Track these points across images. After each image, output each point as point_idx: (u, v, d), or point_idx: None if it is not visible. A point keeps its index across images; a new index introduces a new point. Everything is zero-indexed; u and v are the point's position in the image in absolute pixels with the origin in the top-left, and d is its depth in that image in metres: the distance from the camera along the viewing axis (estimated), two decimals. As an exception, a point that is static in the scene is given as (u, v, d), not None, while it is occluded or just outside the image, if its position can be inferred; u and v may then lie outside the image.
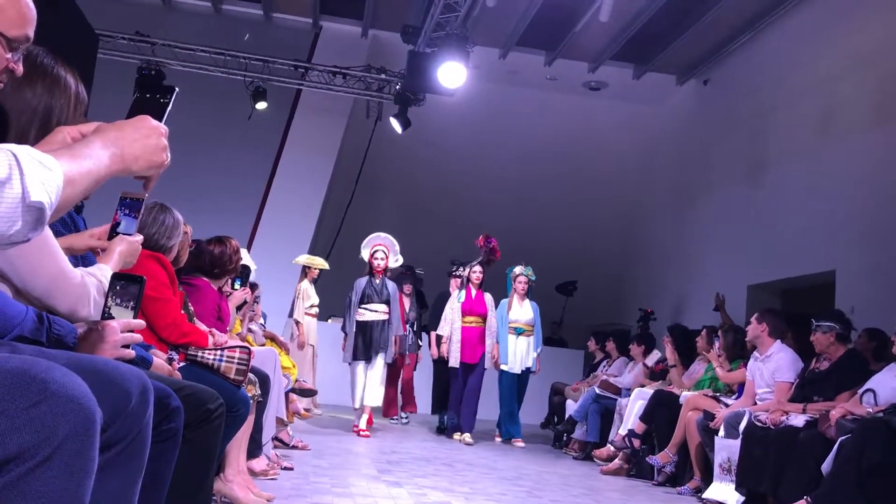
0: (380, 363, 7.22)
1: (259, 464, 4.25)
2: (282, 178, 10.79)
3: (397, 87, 10.30)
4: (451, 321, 7.76)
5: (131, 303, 1.66)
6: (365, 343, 7.21)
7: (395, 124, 10.30)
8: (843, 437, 3.92)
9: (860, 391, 4.29)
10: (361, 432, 7.06)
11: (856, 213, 7.61)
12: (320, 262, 8.88)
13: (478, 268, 7.88)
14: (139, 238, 2.13)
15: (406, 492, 4.39)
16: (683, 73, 11.40)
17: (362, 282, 7.42)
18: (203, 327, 3.43)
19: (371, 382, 7.18)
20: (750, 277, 9.26)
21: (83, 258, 2.22)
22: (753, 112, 9.69)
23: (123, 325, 1.62)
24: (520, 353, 7.79)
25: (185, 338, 3.12)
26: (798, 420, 4.47)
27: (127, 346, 1.63)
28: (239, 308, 5.41)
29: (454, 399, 7.75)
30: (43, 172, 1.04)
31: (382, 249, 7.47)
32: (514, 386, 7.80)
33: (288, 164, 10.83)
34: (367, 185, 11.79)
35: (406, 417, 8.96)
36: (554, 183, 12.87)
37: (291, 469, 4.67)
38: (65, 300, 1.70)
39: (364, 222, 10.08)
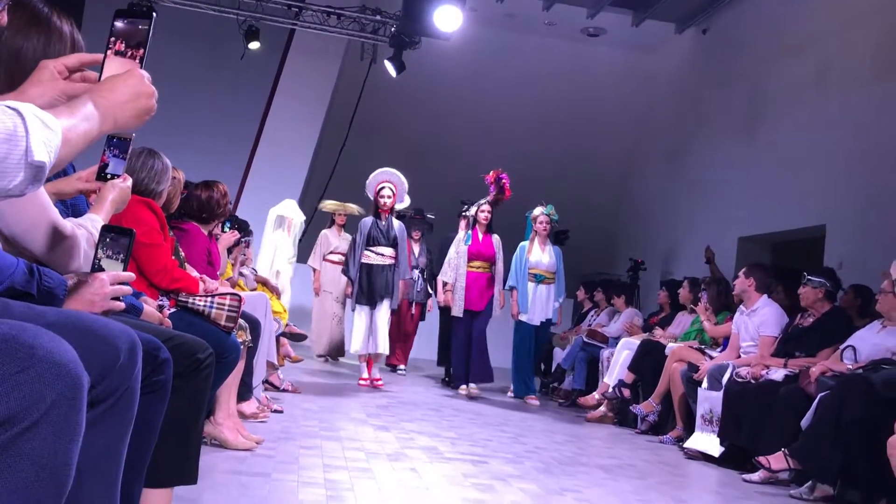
0: (385, 309, 6.70)
1: (249, 407, 4.31)
2: (274, 120, 10.70)
3: (392, 29, 10.15)
4: (456, 266, 7.16)
5: (121, 255, 1.67)
6: (369, 287, 6.67)
7: (390, 67, 10.17)
8: (823, 393, 3.99)
9: (841, 347, 4.36)
10: (375, 382, 6.70)
11: (849, 169, 7.61)
12: (351, 208, 8.78)
13: (486, 206, 7.23)
14: (129, 182, 2.13)
15: (393, 436, 4.48)
16: (683, 22, 11.25)
17: (367, 222, 6.82)
18: (194, 273, 3.45)
19: (378, 329, 6.64)
20: (741, 229, 9.30)
21: (73, 203, 2.23)
22: (751, 63, 9.61)
23: (113, 278, 1.63)
24: (539, 303, 7.13)
25: (175, 283, 3.14)
26: (777, 374, 4.55)
27: (117, 299, 1.65)
28: (230, 251, 5.43)
29: (457, 349, 7.17)
30: (45, 132, 1.06)
31: (389, 186, 6.82)
32: (531, 339, 7.16)
33: (280, 105, 10.73)
34: (360, 128, 11.69)
35: (403, 370, 8.50)
36: (548, 130, 12.80)
37: (281, 412, 4.74)
38: (55, 252, 1.71)
39: (357, 166, 10.00)
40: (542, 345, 7.34)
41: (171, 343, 1.88)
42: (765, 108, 9.30)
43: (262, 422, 4.32)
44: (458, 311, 7.07)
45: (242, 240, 6.23)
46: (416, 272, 8.39)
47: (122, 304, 1.65)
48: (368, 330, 6.68)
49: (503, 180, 7.29)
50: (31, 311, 1.21)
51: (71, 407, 0.93)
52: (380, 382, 6.75)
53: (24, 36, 1.58)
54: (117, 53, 1.41)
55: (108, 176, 1.54)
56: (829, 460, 3.81)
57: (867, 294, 5.19)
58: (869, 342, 4.25)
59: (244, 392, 4.22)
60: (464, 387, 7.03)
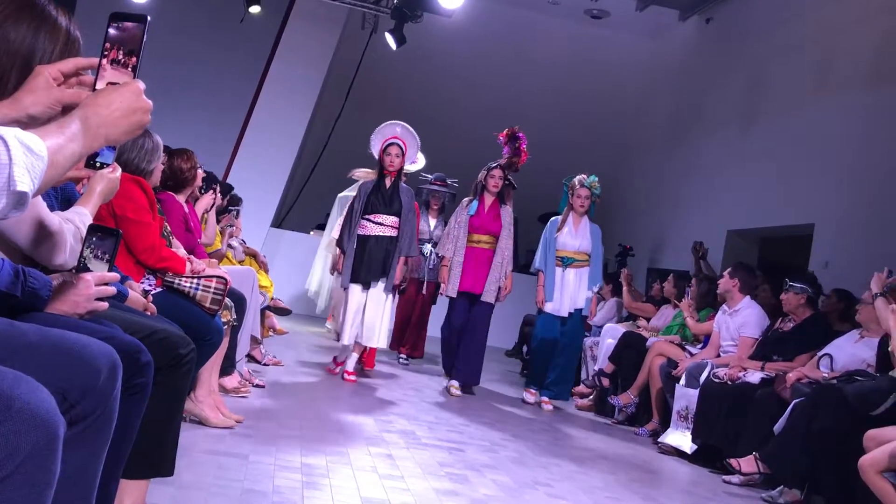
0: (378, 291, 5.72)
1: (231, 382, 4.35)
2: (271, 86, 10.62)
3: (395, 1, 10.06)
4: (455, 238, 6.12)
5: (107, 255, 1.68)
6: (364, 263, 5.68)
7: (390, 40, 10.10)
8: (797, 400, 4.06)
9: (818, 355, 4.43)
10: (347, 375, 5.67)
11: (841, 171, 7.64)
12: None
13: (497, 171, 6.14)
14: (118, 172, 2.13)
15: (372, 418, 4.52)
16: (687, 9, 11.19)
17: (369, 186, 5.84)
18: (182, 253, 3.45)
19: (372, 315, 5.67)
20: (730, 222, 9.34)
21: (62, 189, 2.23)
22: (753, 57, 9.58)
23: (98, 279, 1.64)
24: (568, 290, 6.03)
25: (162, 263, 3.14)
26: (754, 377, 4.61)
27: (101, 299, 1.66)
28: (219, 219, 5.41)
29: (448, 337, 6.18)
30: (29, 159, 1.05)
31: (398, 144, 5.81)
32: (553, 331, 6.06)
33: (278, 71, 10.64)
34: (357, 99, 11.62)
35: (406, 359, 7.44)
36: (546, 111, 12.73)
37: (263, 387, 4.77)
38: (41, 246, 1.72)
39: (352, 136, 9.98)
40: (572, 340, 6.17)
41: (153, 338, 1.91)
42: (762, 104, 9.30)
43: (242, 397, 4.35)
44: (451, 290, 6.04)
45: (230, 209, 6.23)
46: (429, 246, 7.34)
47: (105, 305, 1.66)
48: (361, 314, 5.71)
49: (520, 139, 6.33)
50: (14, 329, 1.22)
51: (46, 457, 0.95)
52: (352, 377, 5.71)
53: (14, 22, 1.52)
54: (113, 62, 1.41)
55: (98, 164, 1.54)
56: (797, 466, 3.89)
57: (850, 299, 5.25)
58: (846, 352, 4.32)
59: (227, 367, 4.25)
60: (453, 383, 6.01)
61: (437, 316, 7.64)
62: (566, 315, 6.05)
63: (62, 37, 1.60)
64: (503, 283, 6.09)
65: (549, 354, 6.06)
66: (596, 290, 6.20)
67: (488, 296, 6.04)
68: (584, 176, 6.25)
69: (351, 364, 5.75)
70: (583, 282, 6.07)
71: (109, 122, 1.25)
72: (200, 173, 4.23)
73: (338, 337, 6.41)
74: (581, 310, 6.11)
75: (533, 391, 6.16)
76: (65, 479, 1.19)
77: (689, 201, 10.48)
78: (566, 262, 6.09)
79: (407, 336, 7.45)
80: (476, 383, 6.18)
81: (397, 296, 6.28)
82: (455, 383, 6.00)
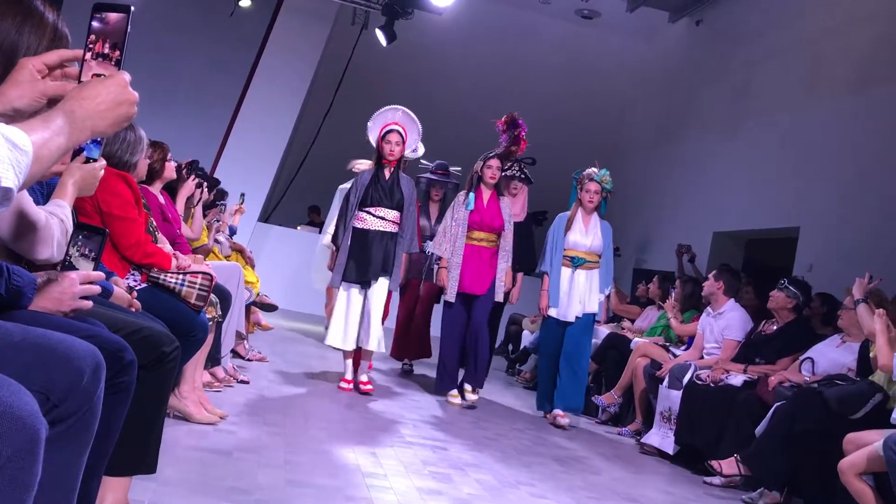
0: (380, 292, 5.26)
1: (206, 376, 4.30)
2: (260, 80, 10.58)
3: (386, -3, 10.06)
4: (454, 236, 5.63)
5: (93, 254, 1.68)
6: (363, 260, 5.22)
7: (380, 36, 10.09)
8: (779, 403, 4.10)
9: (800, 358, 4.47)
10: (362, 385, 5.23)
11: (828, 174, 7.70)
12: None
13: (494, 161, 5.68)
14: (101, 164, 2.11)
15: (358, 414, 4.54)
16: (677, 11, 11.22)
17: (366, 177, 5.34)
18: (168, 249, 3.44)
19: (370, 318, 5.21)
20: (716, 224, 9.39)
21: (48, 183, 2.22)
22: (742, 60, 9.63)
23: (83, 277, 1.64)
24: (578, 294, 5.49)
25: (148, 258, 3.14)
26: (737, 380, 4.65)
27: (85, 298, 1.66)
28: (205, 213, 5.38)
29: (447, 345, 5.64)
30: (14, 154, 1.05)
31: (398, 130, 5.35)
32: (558, 338, 5.52)
33: (268, 65, 10.61)
34: (346, 94, 11.59)
35: (409, 364, 6.87)
36: (536, 110, 12.69)
37: (247, 383, 4.76)
38: (24, 240, 1.72)
39: (341, 132, 9.96)
40: (578, 344, 5.54)
41: (137, 336, 1.91)
42: (750, 106, 9.35)
43: (216, 391, 4.27)
44: (450, 294, 5.56)
45: (217, 204, 6.20)
46: (430, 244, 6.56)
47: (89, 304, 1.66)
48: (359, 317, 5.26)
49: (519, 126, 5.97)
50: (-3, 328, 1.23)
51: (28, 459, 0.95)
52: (368, 387, 5.24)
53: None
54: (97, 55, 1.40)
55: (85, 160, 1.53)
56: (778, 468, 3.93)
57: (833, 304, 5.30)
58: (827, 357, 4.37)
59: (209, 363, 4.24)
60: (454, 393, 5.56)
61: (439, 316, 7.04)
62: (573, 320, 5.49)
63: (48, 32, 1.59)
64: (505, 280, 5.63)
65: (557, 365, 5.51)
66: (607, 292, 5.74)
67: (497, 294, 5.61)
68: (595, 169, 5.71)
69: (349, 373, 5.28)
70: (594, 284, 5.55)
71: (95, 114, 1.24)
72: (170, 165, 4.16)
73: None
74: (593, 314, 5.59)
75: (560, 412, 5.46)
76: (47, 479, 1.19)
77: (676, 202, 10.53)
78: (576, 263, 5.54)
79: (411, 342, 6.74)
80: (481, 387, 5.76)
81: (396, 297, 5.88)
82: (469, 388, 5.57)
